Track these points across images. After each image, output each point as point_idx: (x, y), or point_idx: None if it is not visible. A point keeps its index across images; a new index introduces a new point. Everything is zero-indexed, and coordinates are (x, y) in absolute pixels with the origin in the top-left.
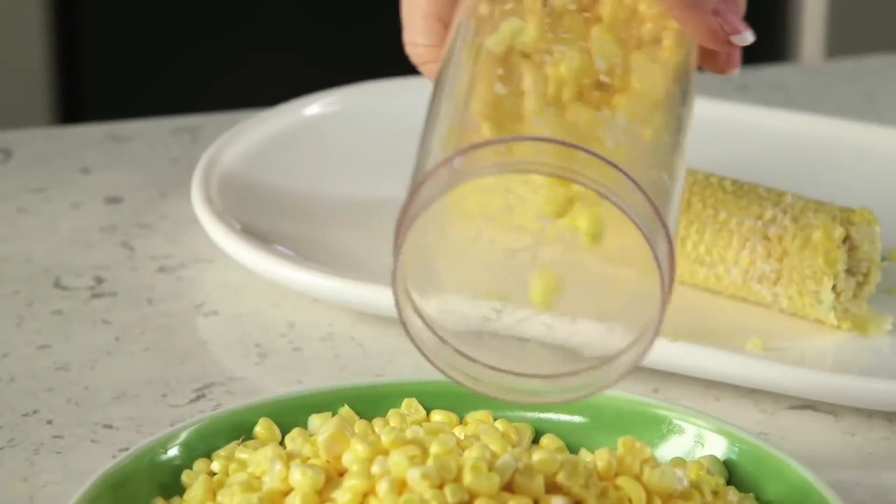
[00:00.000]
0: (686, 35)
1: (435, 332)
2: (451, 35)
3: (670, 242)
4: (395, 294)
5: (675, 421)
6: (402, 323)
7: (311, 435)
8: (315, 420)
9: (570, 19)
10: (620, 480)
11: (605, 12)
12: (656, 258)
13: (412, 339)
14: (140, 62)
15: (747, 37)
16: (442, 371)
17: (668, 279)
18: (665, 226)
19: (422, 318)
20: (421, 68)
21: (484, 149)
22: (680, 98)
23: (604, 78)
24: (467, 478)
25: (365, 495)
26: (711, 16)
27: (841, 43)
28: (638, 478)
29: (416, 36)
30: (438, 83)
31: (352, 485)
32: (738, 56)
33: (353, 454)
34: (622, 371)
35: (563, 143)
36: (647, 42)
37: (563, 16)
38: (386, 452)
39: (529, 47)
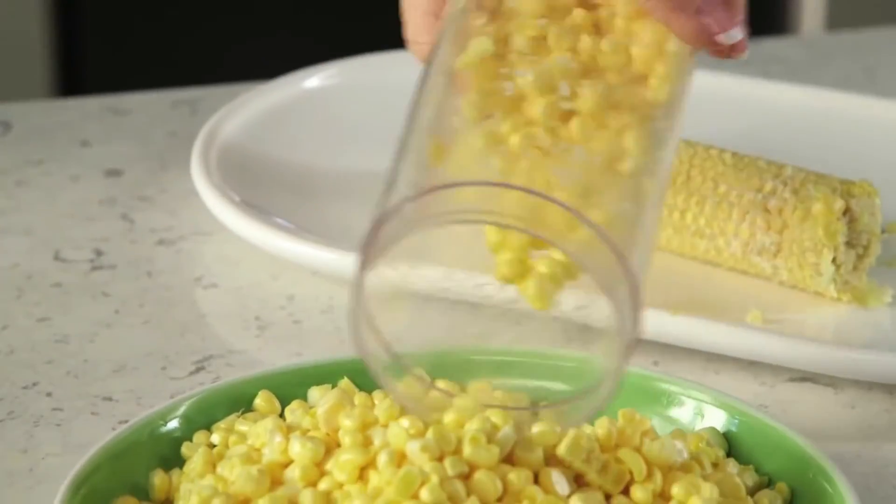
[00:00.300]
0: (672, 64)
1: (400, 359)
2: (430, 52)
3: (634, 287)
4: (355, 327)
5: (675, 393)
6: (364, 357)
7: (310, 407)
8: (315, 392)
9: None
10: (621, 453)
11: (585, 48)
12: (616, 308)
13: (372, 370)
14: (140, 35)
15: (735, 34)
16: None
17: (629, 327)
18: (628, 271)
19: (385, 346)
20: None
21: (435, 194)
22: (662, 116)
23: (565, 105)
24: (467, 450)
25: (363, 468)
26: (696, 16)
27: (841, 16)
28: (638, 450)
29: (417, 34)
30: (413, 103)
31: (348, 459)
32: (743, 42)
33: (342, 428)
34: (583, 415)
35: (514, 188)
36: (632, 80)
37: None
38: (376, 423)
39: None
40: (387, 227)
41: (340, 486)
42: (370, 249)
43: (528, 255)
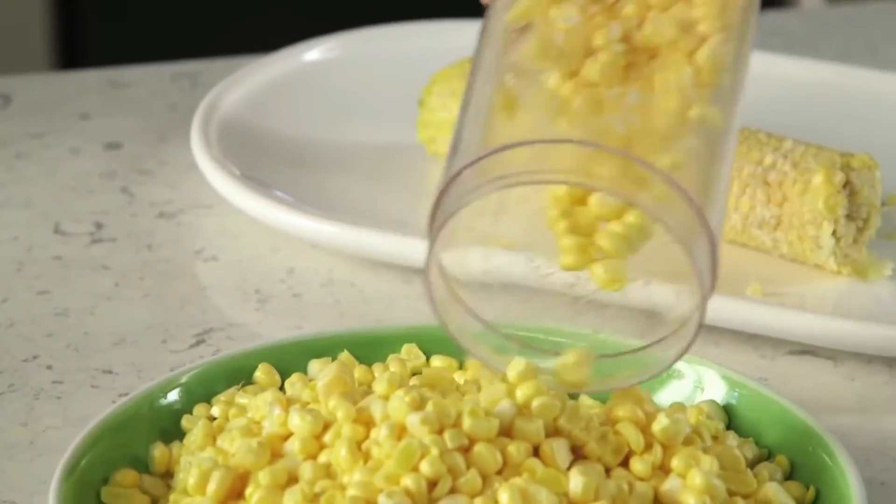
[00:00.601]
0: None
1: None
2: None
3: (713, 245)
4: (429, 280)
5: (675, 366)
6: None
7: (310, 380)
8: (315, 365)
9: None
10: (620, 425)
11: None
12: (693, 262)
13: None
14: (140, 7)
15: None
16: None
17: (708, 281)
18: (704, 223)
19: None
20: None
21: (491, 157)
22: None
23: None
24: (466, 423)
25: (361, 442)
26: None
27: None
28: (637, 422)
29: None
30: (474, 61)
31: (345, 433)
32: None
33: (336, 405)
34: (663, 365)
35: (587, 145)
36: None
37: None
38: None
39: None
40: (448, 196)
41: (339, 459)
42: (435, 220)
43: (593, 236)
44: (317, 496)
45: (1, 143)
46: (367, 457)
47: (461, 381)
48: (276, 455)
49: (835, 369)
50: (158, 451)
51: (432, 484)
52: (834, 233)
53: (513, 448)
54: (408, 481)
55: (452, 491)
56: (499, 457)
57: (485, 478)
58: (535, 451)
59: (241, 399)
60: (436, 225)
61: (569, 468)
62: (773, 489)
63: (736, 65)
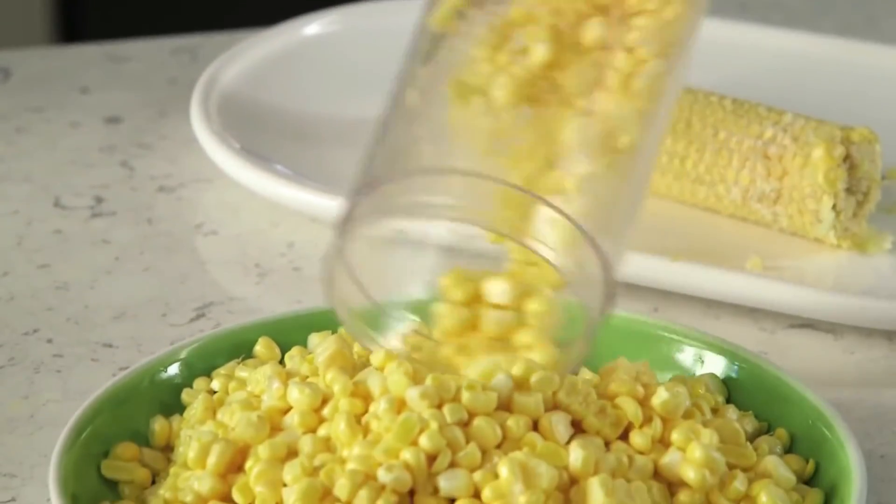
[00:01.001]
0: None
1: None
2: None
3: (608, 272)
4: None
5: (675, 339)
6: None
7: (310, 353)
8: (314, 339)
9: None
10: (619, 399)
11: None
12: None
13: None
14: None
15: None
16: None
17: (599, 308)
18: (602, 261)
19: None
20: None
21: (409, 179)
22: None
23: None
24: (465, 396)
25: (360, 415)
26: None
27: None
28: (637, 396)
29: None
30: (397, 75)
31: (342, 407)
32: None
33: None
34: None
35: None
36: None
37: None
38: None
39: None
40: (358, 209)
41: (338, 433)
42: (348, 221)
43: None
44: (316, 469)
45: (1, 117)
46: (366, 430)
47: None
48: (275, 428)
49: (834, 342)
50: (158, 425)
51: (431, 458)
52: (834, 206)
53: (512, 422)
54: (407, 455)
55: (452, 465)
56: (498, 431)
57: (484, 452)
58: (535, 426)
59: (241, 373)
60: (346, 226)
61: (568, 442)
62: (772, 462)
63: (660, 92)
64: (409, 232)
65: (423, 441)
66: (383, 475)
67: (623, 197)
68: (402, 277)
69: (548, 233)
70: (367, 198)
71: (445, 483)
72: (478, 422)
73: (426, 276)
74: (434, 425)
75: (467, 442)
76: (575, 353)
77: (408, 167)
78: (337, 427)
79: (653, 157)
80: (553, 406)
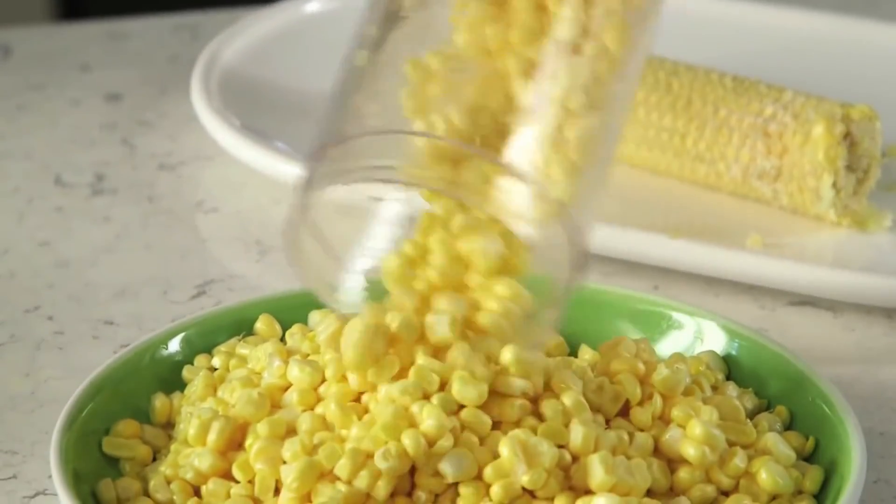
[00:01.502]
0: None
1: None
2: None
3: (578, 244)
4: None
5: (675, 317)
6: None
7: (310, 331)
8: (315, 316)
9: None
10: (620, 376)
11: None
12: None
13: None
14: None
15: None
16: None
17: (567, 279)
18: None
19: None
20: None
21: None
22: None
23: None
24: (455, 388)
25: (359, 395)
26: None
27: None
28: (637, 373)
29: None
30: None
31: (333, 391)
32: None
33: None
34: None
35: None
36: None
37: None
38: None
39: None
40: (317, 172)
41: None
42: (312, 181)
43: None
44: (315, 447)
45: (2, 95)
46: (365, 410)
47: None
48: (276, 406)
49: (834, 320)
50: (159, 402)
51: (431, 441)
52: (834, 184)
53: (508, 406)
54: (405, 438)
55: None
56: (487, 419)
57: (481, 439)
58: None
59: (242, 350)
60: (311, 186)
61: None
62: (772, 439)
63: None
64: (366, 193)
65: (425, 425)
66: (380, 461)
67: (589, 160)
68: (360, 237)
69: (511, 198)
70: (321, 162)
71: (449, 468)
72: (468, 412)
73: (385, 236)
74: (436, 401)
75: (462, 430)
76: (545, 323)
77: (363, 128)
78: (330, 409)
79: (620, 122)
80: (548, 389)
